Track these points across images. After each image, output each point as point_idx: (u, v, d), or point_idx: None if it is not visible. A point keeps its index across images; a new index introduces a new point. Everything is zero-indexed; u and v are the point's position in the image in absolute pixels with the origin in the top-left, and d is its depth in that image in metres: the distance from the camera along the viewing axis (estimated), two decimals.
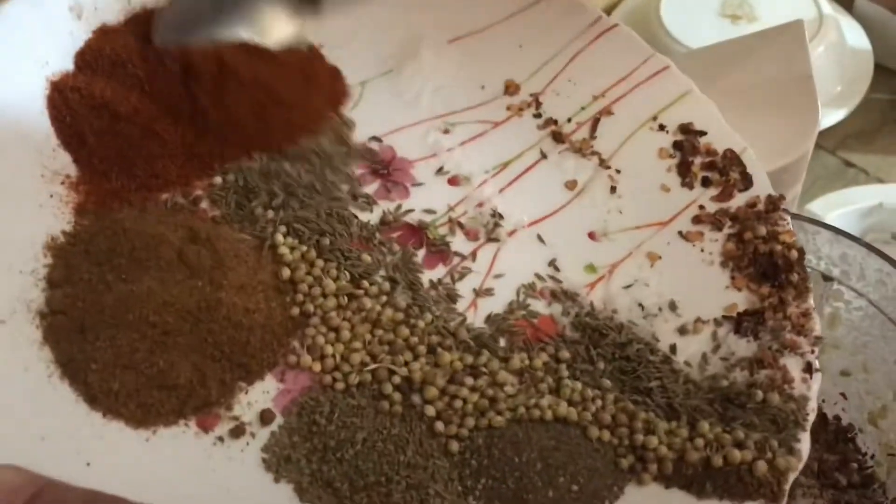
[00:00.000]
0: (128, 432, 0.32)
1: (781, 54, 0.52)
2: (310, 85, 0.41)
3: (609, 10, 0.72)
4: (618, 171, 0.43)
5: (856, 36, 0.71)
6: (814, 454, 0.43)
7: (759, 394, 0.35)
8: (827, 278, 0.43)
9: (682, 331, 0.38)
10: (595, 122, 0.45)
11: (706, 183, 0.42)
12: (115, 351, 0.32)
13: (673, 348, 0.37)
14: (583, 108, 0.46)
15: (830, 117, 0.67)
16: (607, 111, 0.45)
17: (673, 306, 0.38)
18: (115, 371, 0.32)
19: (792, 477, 0.32)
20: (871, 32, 0.71)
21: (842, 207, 0.59)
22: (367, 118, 0.44)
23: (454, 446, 0.33)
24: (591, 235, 0.42)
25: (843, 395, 0.46)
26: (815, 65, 0.66)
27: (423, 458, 0.33)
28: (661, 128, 0.44)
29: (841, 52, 0.69)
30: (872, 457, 0.46)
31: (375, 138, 0.44)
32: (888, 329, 0.42)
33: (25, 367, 0.32)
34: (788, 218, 0.40)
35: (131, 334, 0.33)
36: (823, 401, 0.46)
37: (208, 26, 0.37)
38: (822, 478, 0.44)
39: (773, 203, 0.41)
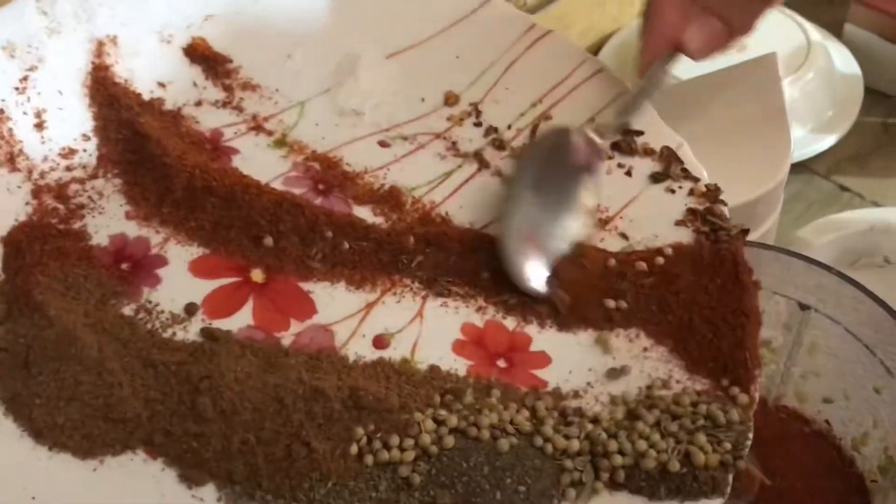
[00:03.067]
0: (75, 464, 0.32)
1: (755, 87, 0.53)
2: None
3: (598, 46, 0.73)
4: None
5: (845, 61, 0.72)
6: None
7: (703, 408, 0.35)
8: (804, 307, 0.43)
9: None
10: (534, 128, 0.46)
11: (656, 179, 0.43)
12: (59, 384, 0.32)
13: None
14: (522, 115, 0.46)
15: (823, 142, 0.68)
16: (545, 116, 0.46)
17: None
18: (60, 404, 0.32)
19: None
20: (860, 57, 0.72)
21: (832, 233, 0.58)
22: (308, 138, 0.45)
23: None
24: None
25: (826, 422, 0.46)
26: (805, 90, 0.67)
27: (394, 493, 0.33)
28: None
29: (830, 77, 0.70)
30: None
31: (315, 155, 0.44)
32: (865, 355, 0.42)
33: None
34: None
35: (75, 367, 0.33)
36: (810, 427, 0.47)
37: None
38: None
39: (713, 192, 0.41)
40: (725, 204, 0.41)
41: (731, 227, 0.40)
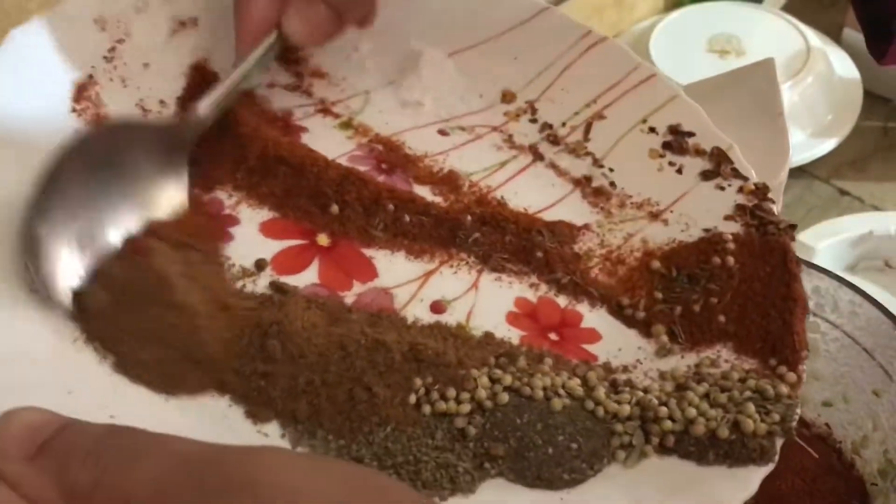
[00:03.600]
0: (150, 393, 0.33)
1: (753, 92, 0.54)
2: None
3: None
4: (611, 170, 0.46)
5: (844, 65, 0.74)
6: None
7: (752, 382, 0.36)
8: None
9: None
10: (588, 125, 0.48)
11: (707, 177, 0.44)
12: (150, 324, 0.34)
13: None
14: (576, 114, 0.48)
15: (822, 146, 0.69)
16: (599, 115, 0.48)
17: None
18: (148, 342, 0.34)
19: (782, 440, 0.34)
20: (860, 61, 0.74)
21: (833, 237, 0.60)
22: (372, 122, 0.47)
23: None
24: (587, 227, 0.44)
25: (827, 425, 0.47)
26: (804, 95, 0.68)
27: (449, 442, 0.34)
28: (651, 130, 0.47)
29: (830, 81, 0.71)
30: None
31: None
32: (864, 359, 0.43)
33: (55, 329, 0.34)
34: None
35: (166, 310, 0.35)
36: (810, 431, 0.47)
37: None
38: None
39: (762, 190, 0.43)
40: (774, 202, 0.43)
41: (780, 220, 0.41)
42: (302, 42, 0.43)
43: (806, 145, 0.68)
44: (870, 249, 0.60)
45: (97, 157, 0.37)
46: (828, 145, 0.69)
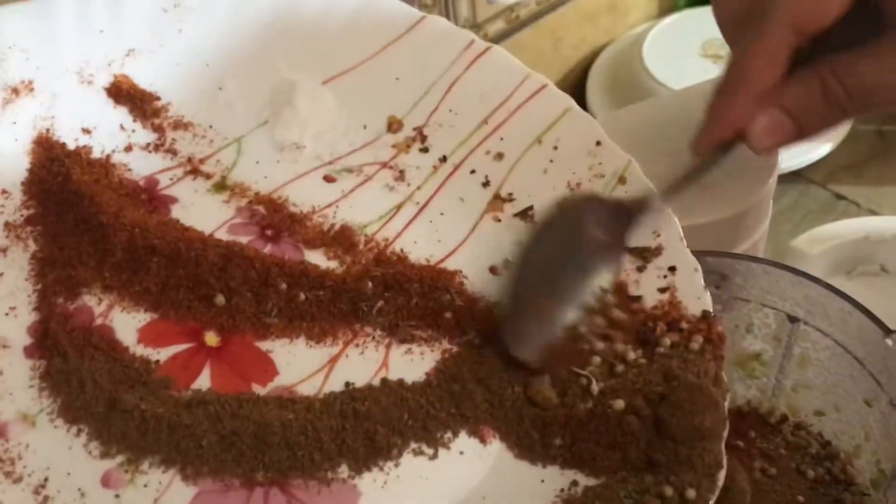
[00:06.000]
0: None
1: None
2: None
3: (590, 59, 0.72)
4: (511, 196, 0.43)
5: None
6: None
7: None
8: (793, 319, 0.43)
9: None
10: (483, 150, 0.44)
11: None
12: None
13: None
14: (468, 137, 0.45)
15: (818, 150, 0.68)
16: (493, 137, 0.45)
17: None
18: None
19: None
20: None
21: (829, 241, 0.58)
22: (249, 178, 0.43)
23: None
24: (493, 270, 0.41)
25: (820, 434, 0.46)
26: None
27: None
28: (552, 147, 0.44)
29: None
30: None
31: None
32: (855, 368, 0.42)
33: None
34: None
35: None
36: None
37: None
38: None
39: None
40: None
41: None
42: (760, 151, 0.39)
43: (801, 149, 0.67)
44: (866, 254, 0.59)
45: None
46: (823, 149, 0.68)
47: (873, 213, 0.67)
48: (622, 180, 0.42)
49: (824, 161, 0.68)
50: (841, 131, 0.69)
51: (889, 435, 0.41)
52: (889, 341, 0.40)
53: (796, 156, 0.66)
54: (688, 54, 0.77)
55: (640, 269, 0.39)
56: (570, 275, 0.38)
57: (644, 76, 0.75)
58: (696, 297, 0.38)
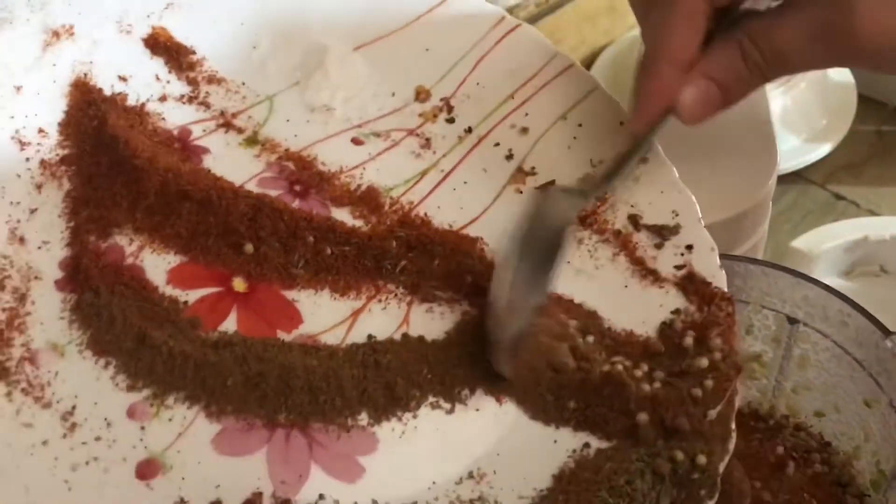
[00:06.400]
0: None
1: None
2: None
3: (590, 60, 0.72)
4: (533, 170, 0.44)
5: (838, 69, 0.73)
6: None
7: None
8: (792, 320, 0.44)
9: None
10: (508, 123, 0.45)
11: None
12: None
13: None
14: (494, 111, 0.46)
15: (817, 151, 0.68)
16: (518, 112, 0.46)
17: None
18: None
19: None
20: None
21: (828, 242, 0.58)
22: (280, 135, 0.43)
23: None
24: None
25: (820, 435, 0.47)
26: (798, 99, 0.67)
27: None
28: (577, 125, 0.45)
29: (823, 85, 0.70)
30: None
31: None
32: (854, 370, 0.43)
33: None
34: None
35: None
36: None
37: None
38: None
39: None
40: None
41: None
42: (691, 122, 0.40)
43: (800, 150, 0.67)
44: (865, 255, 0.59)
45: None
46: (822, 150, 0.68)
47: (873, 213, 0.67)
48: (644, 160, 0.43)
49: (824, 161, 0.68)
50: (841, 132, 0.69)
51: (889, 436, 0.42)
52: (888, 343, 0.41)
53: (796, 156, 0.67)
54: None
55: (658, 246, 0.40)
56: (536, 265, 0.37)
57: None
58: (711, 276, 0.39)
